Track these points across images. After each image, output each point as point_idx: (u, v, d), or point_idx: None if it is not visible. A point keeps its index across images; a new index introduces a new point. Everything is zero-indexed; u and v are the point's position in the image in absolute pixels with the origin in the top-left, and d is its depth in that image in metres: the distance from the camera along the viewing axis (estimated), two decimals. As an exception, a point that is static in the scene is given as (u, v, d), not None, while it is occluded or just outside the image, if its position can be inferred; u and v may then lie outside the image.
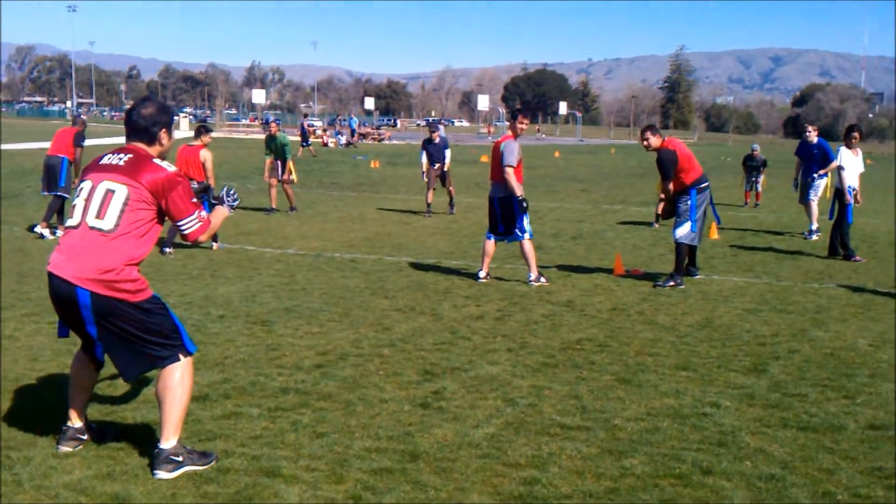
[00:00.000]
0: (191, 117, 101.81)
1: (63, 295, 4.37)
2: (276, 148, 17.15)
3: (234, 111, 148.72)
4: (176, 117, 4.84)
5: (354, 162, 36.09)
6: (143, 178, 4.38)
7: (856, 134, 12.98)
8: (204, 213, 4.60)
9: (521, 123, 10.10)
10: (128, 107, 4.47)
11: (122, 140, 4.79)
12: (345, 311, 8.34)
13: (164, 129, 4.62)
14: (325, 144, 51.74)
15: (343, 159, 38.19)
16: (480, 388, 5.95)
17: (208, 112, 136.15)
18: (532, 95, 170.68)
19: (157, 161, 4.50)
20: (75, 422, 4.76)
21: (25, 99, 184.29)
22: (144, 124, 4.55)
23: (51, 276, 4.41)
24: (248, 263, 11.06)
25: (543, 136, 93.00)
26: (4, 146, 38.56)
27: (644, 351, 7.08)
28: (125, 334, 4.43)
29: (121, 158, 4.48)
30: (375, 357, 6.70)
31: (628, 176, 32.99)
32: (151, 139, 4.59)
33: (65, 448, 4.67)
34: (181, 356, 4.55)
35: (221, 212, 4.92)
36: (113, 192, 4.36)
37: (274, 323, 7.78)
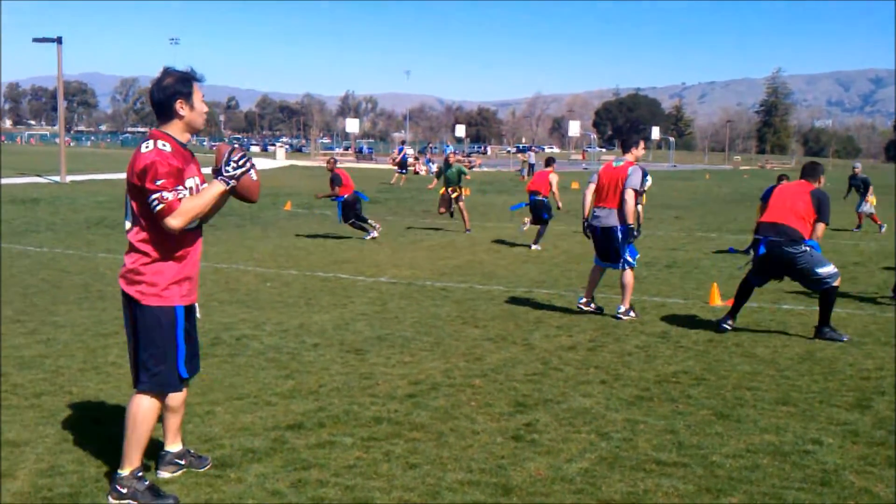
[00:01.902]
0: (287, 146, 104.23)
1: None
2: (451, 175, 19.41)
3: (328, 140, 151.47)
4: (197, 84, 4.32)
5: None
6: (130, 169, 4.26)
7: None
8: (168, 195, 4.12)
9: (641, 149, 9.97)
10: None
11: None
12: (436, 341, 8.37)
13: (180, 100, 4.32)
14: (417, 172, 52.23)
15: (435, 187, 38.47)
16: (573, 420, 5.89)
17: (304, 141, 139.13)
18: (624, 120, 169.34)
19: (143, 146, 4.24)
20: (171, 446, 4.83)
21: (129, 130, 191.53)
22: (160, 97, 4.31)
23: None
24: (341, 291, 11.22)
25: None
26: (111, 176, 40.09)
27: (742, 384, 6.90)
28: (128, 334, 4.46)
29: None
30: (467, 387, 6.70)
31: (724, 202, 32.35)
32: (169, 112, 4.33)
33: (164, 474, 4.78)
34: (178, 385, 4.47)
35: (212, 187, 4.31)
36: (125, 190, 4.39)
37: (367, 351, 7.86)
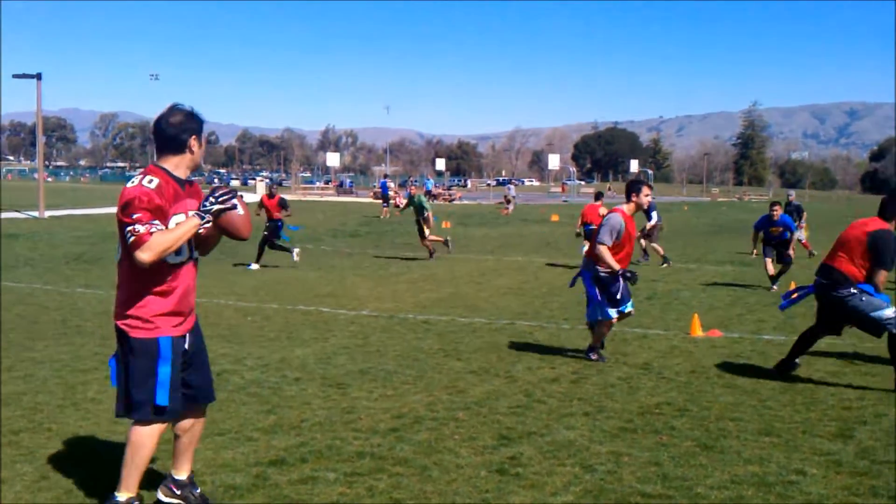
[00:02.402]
0: (267, 180, 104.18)
1: None
2: (415, 206, 21.15)
3: (308, 174, 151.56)
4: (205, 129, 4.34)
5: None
6: (118, 204, 4.36)
7: None
8: (140, 227, 4.15)
9: (646, 195, 9.10)
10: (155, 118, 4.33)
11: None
12: (419, 374, 8.34)
13: (193, 136, 4.47)
14: (398, 206, 52.25)
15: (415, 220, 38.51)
16: (557, 453, 5.87)
17: (283, 175, 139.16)
18: (603, 154, 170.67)
19: (130, 181, 4.35)
20: (175, 471, 4.79)
21: (108, 165, 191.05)
22: (174, 132, 4.43)
23: None
24: (323, 325, 11.18)
25: (614, 194, 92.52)
26: (91, 210, 39.90)
27: (725, 415, 6.91)
28: (120, 366, 4.49)
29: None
30: (451, 421, 6.67)
31: (702, 234, 32.56)
32: (181, 147, 4.46)
33: (159, 494, 4.74)
34: (149, 415, 4.42)
35: (187, 222, 4.34)
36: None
37: (349, 385, 7.81)
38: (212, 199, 4.37)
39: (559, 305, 13.15)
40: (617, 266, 8.83)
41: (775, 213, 15.87)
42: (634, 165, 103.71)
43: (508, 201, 48.65)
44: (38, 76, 37.33)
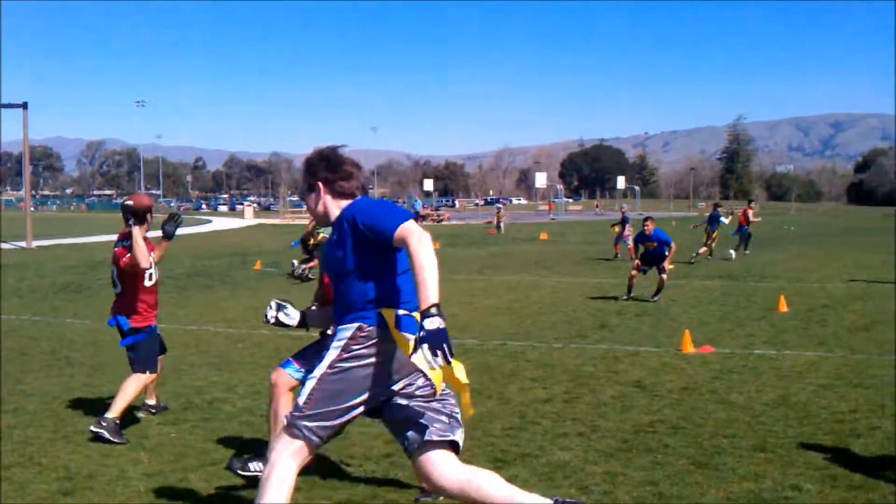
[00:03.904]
0: (255, 205, 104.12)
1: None
2: None
3: (296, 198, 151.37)
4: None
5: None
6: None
7: None
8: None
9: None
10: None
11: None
12: (412, 397, 8.30)
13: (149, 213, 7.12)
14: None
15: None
16: (553, 475, 5.85)
17: (272, 199, 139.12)
18: (589, 171, 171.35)
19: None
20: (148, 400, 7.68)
21: (95, 193, 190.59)
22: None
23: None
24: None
25: (602, 211, 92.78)
26: (79, 240, 39.79)
27: (719, 432, 6.91)
28: None
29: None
30: (444, 444, 6.63)
31: (690, 249, 32.61)
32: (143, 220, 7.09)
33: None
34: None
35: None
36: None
37: (342, 411, 7.77)
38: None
39: (550, 325, 13.15)
40: None
41: (647, 228, 16.24)
42: (621, 182, 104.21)
43: (500, 221, 48.55)
44: (24, 105, 37.29)
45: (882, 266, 23.25)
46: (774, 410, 7.62)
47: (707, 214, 27.97)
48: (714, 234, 27.51)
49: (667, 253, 16.33)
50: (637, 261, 16.89)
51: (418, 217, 61.62)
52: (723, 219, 27.99)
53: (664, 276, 16.22)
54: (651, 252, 16.50)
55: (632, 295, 16.29)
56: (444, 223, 64.18)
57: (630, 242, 23.60)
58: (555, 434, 6.93)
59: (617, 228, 28.28)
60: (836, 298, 16.21)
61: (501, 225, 48.32)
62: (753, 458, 6.19)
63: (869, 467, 5.91)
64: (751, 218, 28.55)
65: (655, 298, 16.00)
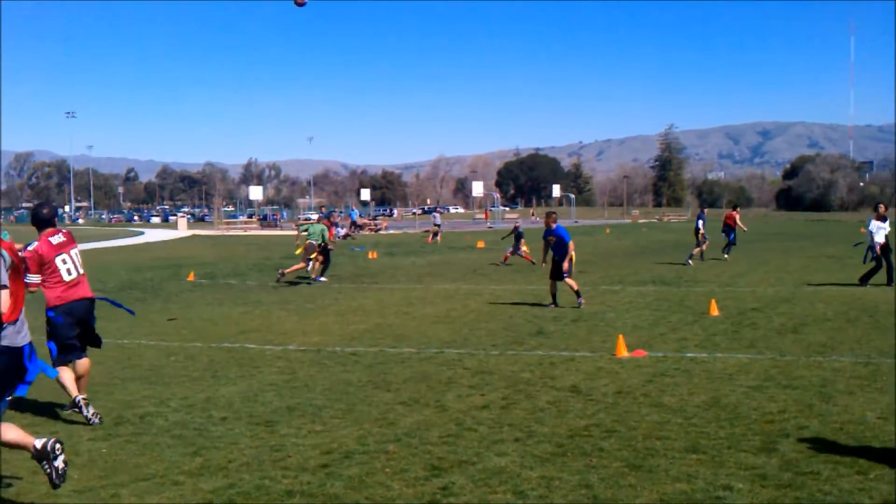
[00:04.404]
0: (188, 216, 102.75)
1: (86, 308, 8.09)
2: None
3: (231, 208, 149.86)
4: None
5: (353, 253, 36.23)
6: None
7: (881, 206, 19.31)
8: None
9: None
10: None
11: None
12: (348, 407, 8.27)
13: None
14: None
15: (341, 251, 38.36)
16: (489, 481, 5.87)
17: (206, 210, 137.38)
18: (525, 179, 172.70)
19: None
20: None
21: (24, 205, 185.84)
22: (53, 214, 8.06)
23: (82, 300, 7.99)
24: (249, 362, 11.01)
25: (538, 219, 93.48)
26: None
27: (652, 434, 7.00)
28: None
29: (63, 236, 7.96)
30: (381, 454, 6.62)
31: (625, 255, 33.08)
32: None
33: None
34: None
35: None
36: (77, 252, 8.12)
37: (277, 423, 7.71)
38: None
39: (487, 332, 13.20)
40: None
41: (549, 222, 16.95)
42: (556, 190, 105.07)
43: (436, 232, 48.58)
44: (-54, 117, 36.27)
45: (807, 269, 23.85)
46: (706, 412, 7.76)
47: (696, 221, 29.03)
48: (702, 234, 28.19)
49: (563, 254, 16.44)
50: (543, 263, 17.20)
51: (355, 226, 61.45)
52: (700, 223, 28.65)
53: (568, 279, 16.42)
54: (555, 247, 16.74)
55: (557, 303, 16.43)
56: (381, 232, 64.02)
57: (522, 254, 28.06)
58: (491, 440, 6.95)
59: (510, 240, 29.70)
60: (765, 301, 16.56)
61: (438, 236, 48.37)
62: (686, 459, 6.29)
63: (797, 466, 6.04)
64: (738, 223, 29.55)
65: (580, 302, 16.19)
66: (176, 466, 6.36)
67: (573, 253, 16.63)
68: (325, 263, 23.50)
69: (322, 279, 23.11)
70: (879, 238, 18.77)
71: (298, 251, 24.22)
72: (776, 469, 5.98)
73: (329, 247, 23.54)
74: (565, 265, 16.47)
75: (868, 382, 8.86)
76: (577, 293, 16.44)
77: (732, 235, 29.19)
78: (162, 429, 7.56)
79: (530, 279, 22.34)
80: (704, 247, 28.20)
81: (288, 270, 23.06)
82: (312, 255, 22.84)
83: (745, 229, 32.46)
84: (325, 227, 23.46)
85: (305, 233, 23.39)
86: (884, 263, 18.71)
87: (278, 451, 6.75)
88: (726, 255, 28.77)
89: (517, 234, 28.90)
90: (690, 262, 26.64)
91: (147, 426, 7.65)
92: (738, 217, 29.69)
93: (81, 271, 8.06)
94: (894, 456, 6.21)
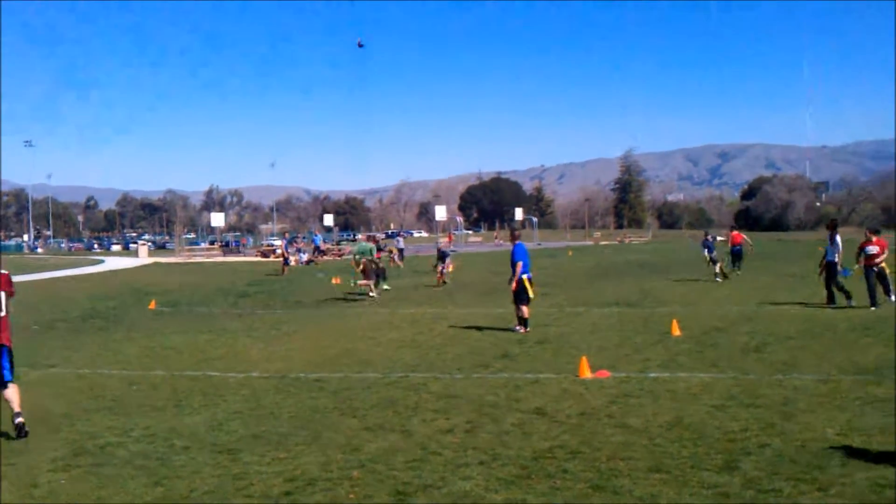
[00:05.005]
0: (150, 244, 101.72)
1: None
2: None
3: (193, 235, 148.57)
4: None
5: (317, 279, 36.07)
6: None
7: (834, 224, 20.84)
8: None
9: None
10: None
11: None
12: (313, 434, 8.23)
13: None
14: (286, 261, 51.69)
15: (305, 278, 38.18)
16: (454, 505, 5.86)
17: (167, 238, 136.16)
18: (488, 203, 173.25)
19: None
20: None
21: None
22: None
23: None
24: (213, 391, 10.91)
25: (501, 242, 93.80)
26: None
27: (616, 455, 7.04)
28: None
29: None
30: (345, 480, 6.59)
31: (588, 277, 33.26)
32: None
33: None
34: None
35: None
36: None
37: (241, 451, 7.64)
38: None
39: (452, 356, 13.20)
40: None
41: (514, 238, 16.95)
42: (519, 213, 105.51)
43: (401, 255, 48.49)
44: None
45: (770, 288, 24.14)
46: (669, 432, 7.82)
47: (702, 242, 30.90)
48: (714, 256, 29.64)
49: (515, 272, 16.14)
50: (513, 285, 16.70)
51: (319, 252, 61.21)
52: (712, 242, 30.53)
53: (523, 305, 16.15)
54: (512, 265, 16.53)
55: (526, 327, 16.21)
56: (345, 258, 63.78)
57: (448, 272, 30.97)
58: (456, 464, 6.95)
59: (437, 263, 31.70)
60: (728, 321, 16.73)
61: (396, 257, 48.24)
62: (649, 479, 6.33)
63: (759, 484, 6.11)
64: (746, 239, 32.35)
65: (517, 329, 15.97)
66: (137, 497, 6.30)
67: (523, 276, 16.15)
68: (378, 278, 25.93)
69: (373, 294, 24.94)
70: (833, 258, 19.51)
71: (357, 271, 25.80)
72: (738, 487, 6.04)
73: (381, 264, 26.20)
74: (513, 285, 16.19)
75: (828, 399, 8.98)
76: (521, 320, 16.20)
77: (737, 249, 31.20)
78: (124, 460, 7.47)
79: (498, 302, 22.38)
80: (722, 264, 29.51)
81: (362, 283, 25.33)
82: (359, 270, 25.00)
83: (752, 244, 34.76)
84: (374, 246, 26.05)
85: (360, 255, 25.36)
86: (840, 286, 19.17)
87: (241, 480, 6.70)
88: (738, 272, 30.27)
89: (441, 255, 31.70)
90: (719, 279, 27.97)
91: (108, 457, 7.56)
92: (745, 236, 32.45)
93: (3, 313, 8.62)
94: (854, 472, 6.30)
